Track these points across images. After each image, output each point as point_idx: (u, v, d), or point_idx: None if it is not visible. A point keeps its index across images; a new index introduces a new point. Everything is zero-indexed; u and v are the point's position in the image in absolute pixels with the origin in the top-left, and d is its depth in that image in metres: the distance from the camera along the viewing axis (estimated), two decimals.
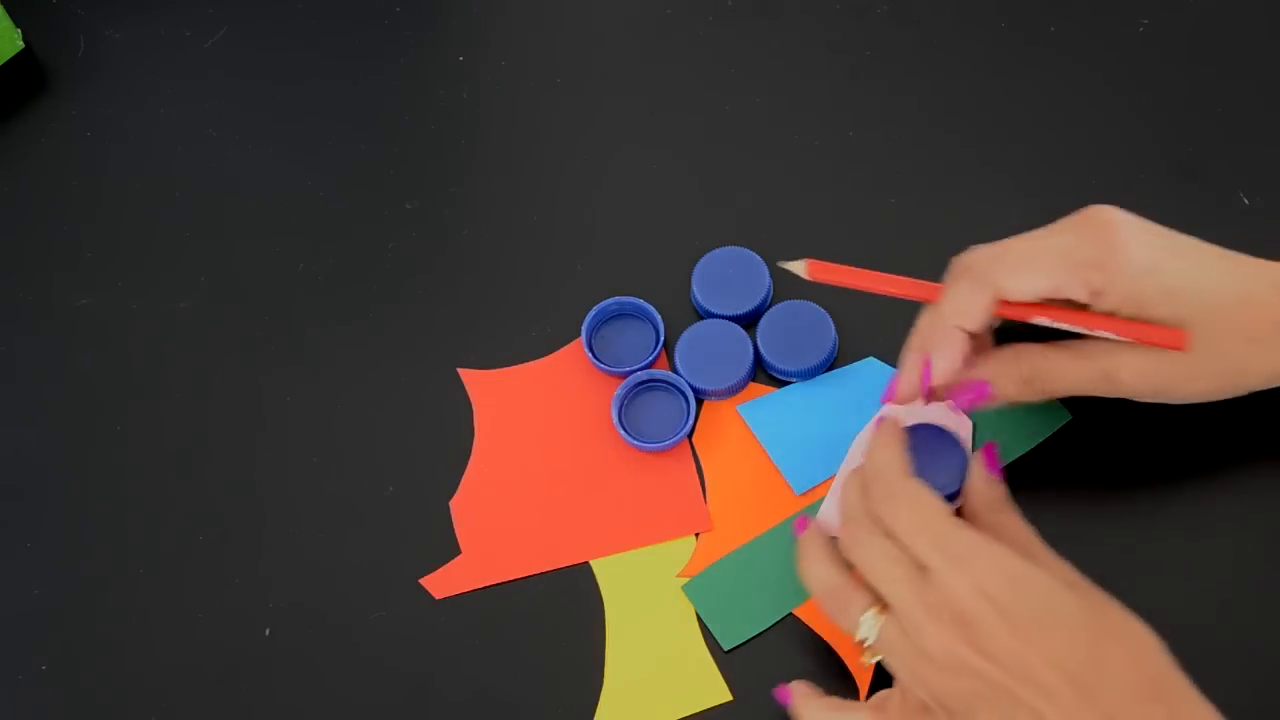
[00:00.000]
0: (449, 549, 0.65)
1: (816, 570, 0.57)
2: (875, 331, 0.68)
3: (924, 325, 0.59)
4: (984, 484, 0.59)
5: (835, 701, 0.58)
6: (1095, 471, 0.61)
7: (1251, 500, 0.63)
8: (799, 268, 0.60)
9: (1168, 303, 0.56)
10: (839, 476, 0.64)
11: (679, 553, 0.64)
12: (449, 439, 0.67)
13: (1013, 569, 0.53)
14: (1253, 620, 0.61)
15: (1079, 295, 0.57)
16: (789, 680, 0.61)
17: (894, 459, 0.57)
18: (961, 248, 0.69)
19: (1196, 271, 0.57)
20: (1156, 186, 0.70)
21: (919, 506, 0.55)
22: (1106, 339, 0.57)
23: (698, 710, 0.61)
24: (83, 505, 0.67)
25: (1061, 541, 0.57)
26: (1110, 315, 0.56)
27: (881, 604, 0.55)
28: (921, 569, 0.54)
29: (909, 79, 0.75)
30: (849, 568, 0.57)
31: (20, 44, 0.77)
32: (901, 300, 0.68)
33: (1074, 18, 0.75)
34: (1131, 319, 0.57)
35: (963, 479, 0.59)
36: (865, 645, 0.55)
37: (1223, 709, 0.51)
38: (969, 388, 0.59)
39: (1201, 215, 0.69)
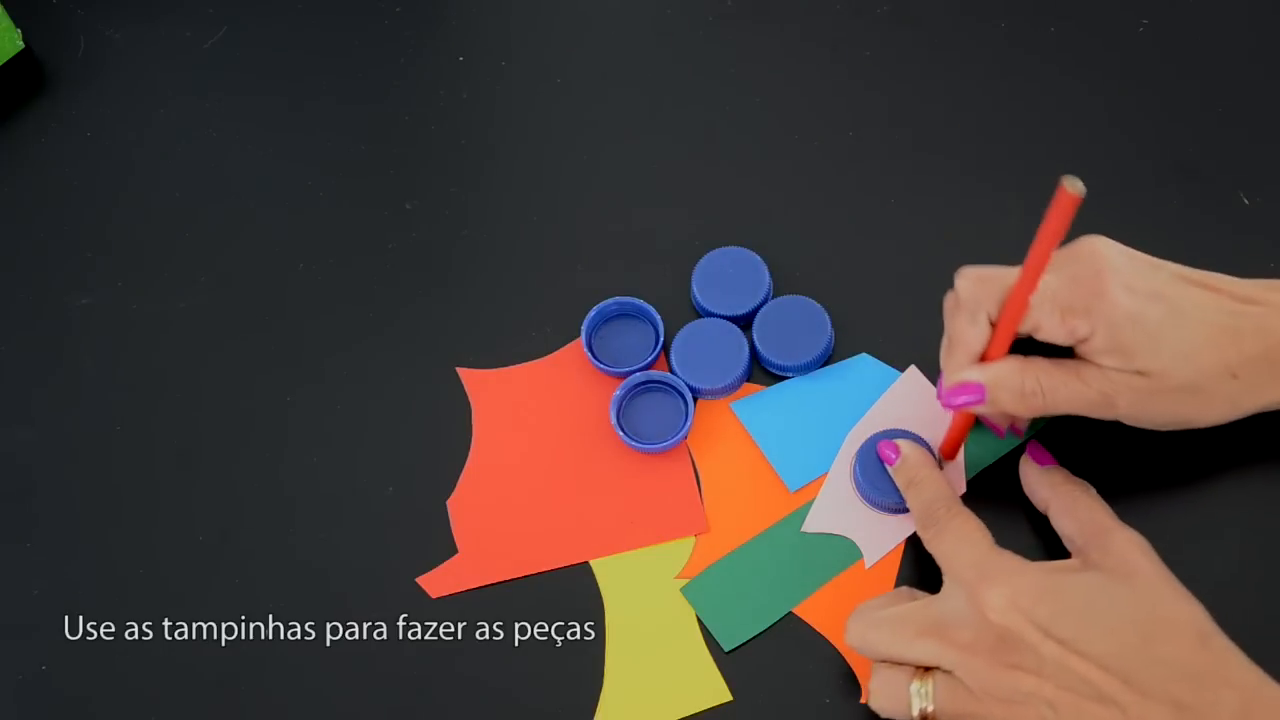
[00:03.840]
0: (447, 548, 0.65)
1: (874, 690, 0.58)
2: (871, 327, 0.68)
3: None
4: (1040, 474, 0.61)
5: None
6: (1079, 471, 0.61)
7: (1242, 500, 0.63)
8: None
9: (1148, 348, 0.56)
10: (830, 476, 0.65)
11: (679, 553, 0.64)
12: (447, 438, 0.67)
13: (1043, 583, 0.54)
14: (1246, 622, 0.61)
15: (1062, 340, 0.57)
16: (787, 680, 0.61)
17: (938, 492, 0.60)
18: (961, 247, 0.69)
19: (1178, 316, 0.57)
20: (1156, 186, 0.70)
21: (962, 537, 0.57)
22: (1104, 365, 0.57)
23: (698, 710, 0.61)
24: (82, 505, 0.67)
25: (1051, 546, 0.58)
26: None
27: (920, 673, 0.56)
28: (940, 626, 0.55)
29: (909, 79, 0.75)
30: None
31: (20, 44, 0.77)
32: (899, 298, 0.69)
33: (1074, 18, 0.75)
34: (1109, 362, 0.57)
35: None
36: (928, 714, 0.56)
37: None
38: (964, 389, 0.58)
39: (1201, 215, 0.69)
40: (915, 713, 0.56)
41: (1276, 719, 0.52)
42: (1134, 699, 0.51)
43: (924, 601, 0.57)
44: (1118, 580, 0.55)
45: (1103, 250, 0.57)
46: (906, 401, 0.66)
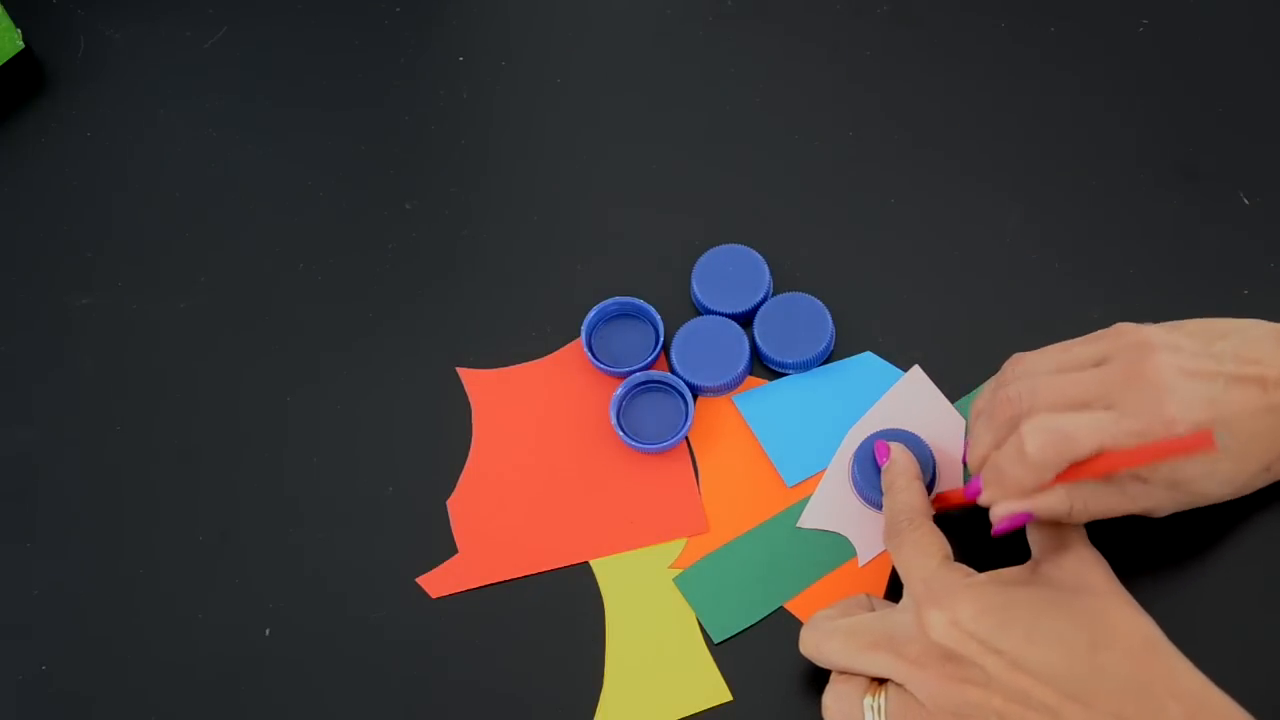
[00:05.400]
0: (447, 548, 0.65)
1: (828, 707, 0.58)
2: (870, 326, 0.68)
3: (977, 453, 0.59)
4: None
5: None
6: None
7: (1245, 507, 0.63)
8: None
9: (1202, 477, 0.56)
10: (828, 473, 0.65)
11: (679, 552, 0.64)
12: (447, 438, 0.67)
13: (987, 598, 0.54)
14: (1248, 625, 0.61)
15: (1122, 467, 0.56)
16: (787, 680, 0.61)
17: (907, 503, 0.60)
18: (961, 248, 0.70)
19: (1230, 436, 0.55)
20: (1156, 186, 0.70)
21: (918, 550, 0.57)
22: (1151, 482, 0.56)
23: (698, 710, 0.61)
24: (83, 505, 0.67)
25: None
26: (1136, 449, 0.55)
27: (873, 686, 0.56)
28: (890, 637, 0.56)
29: (909, 79, 0.75)
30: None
31: (20, 44, 0.77)
32: (900, 297, 0.69)
33: (1074, 18, 0.75)
34: (1159, 484, 0.56)
35: (932, 482, 0.63)
36: None
37: None
38: (1012, 519, 0.57)
39: (1201, 215, 0.69)
40: None
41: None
42: (1076, 710, 0.51)
43: (879, 614, 0.57)
44: (1066, 594, 0.55)
45: (1167, 378, 0.55)
46: (908, 402, 0.66)
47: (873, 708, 0.56)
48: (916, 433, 0.64)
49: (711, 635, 0.62)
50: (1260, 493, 0.60)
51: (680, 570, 0.64)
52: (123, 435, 0.69)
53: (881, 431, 0.64)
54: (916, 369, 0.66)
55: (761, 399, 0.67)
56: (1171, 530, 0.62)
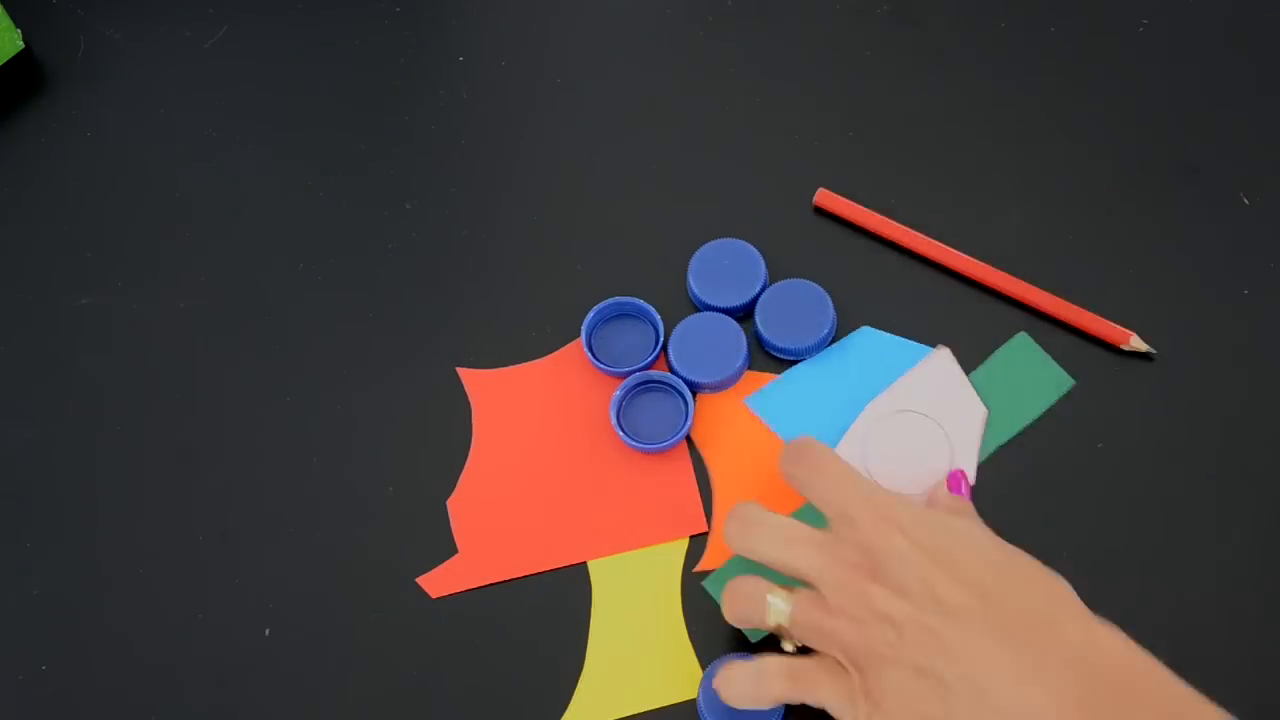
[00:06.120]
0: (447, 548, 0.65)
1: (732, 599, 0.58)
2: (870, 301, 0.68)
3: None
4: (947, 499, 0.61)
5: (752, 669, 0.57)
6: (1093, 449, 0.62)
7: (1245, 493, 0.63)
8: None
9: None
10: (840, 451, 0.65)
11: (674, 554, 0.64)
12: (447, 438, 0.67)
13: (923, 512, 0.55)
14: (1248, 613, 0.61)
15: None
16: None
17: (820, 446, 0.60)
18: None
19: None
20: (1156, 186, 0.70)
21: (840, 470, 0.58)
22: None
23: (673, 702, 0.61)
24: (83, 505, 0.67)
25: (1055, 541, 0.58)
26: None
27: (786, 590, 0.56)
28: (822, 538, 0.56)
29: (909, 79, 0.75)
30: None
31: (20, 44, 0.77)
32: (900, 298, 0.69)
33: (1074, 18, 0.75)
34: None
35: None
36: (781, 627, 0.56)
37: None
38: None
39: (1201, 215, 0.69)
40: (771, 622, 0.56)
41: (1113, 660, 0.52)
42: (978, 606, 0.51)
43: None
44: (983, 530, 0.56)
45: None
46: (930, 383, 0.65)
47: (778, 602, 0.56)
48: (933, 416, 0.64)
49: (748, 635, 0.62)
50: (1255, 492, 0.61)
51: (708, 572, 0.63)
52: (122, 435, 0.69)
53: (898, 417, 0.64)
54: (944, 350, 0.66)
55: (774, 395, 0.67)
56: (1169, 527, 0.62)
